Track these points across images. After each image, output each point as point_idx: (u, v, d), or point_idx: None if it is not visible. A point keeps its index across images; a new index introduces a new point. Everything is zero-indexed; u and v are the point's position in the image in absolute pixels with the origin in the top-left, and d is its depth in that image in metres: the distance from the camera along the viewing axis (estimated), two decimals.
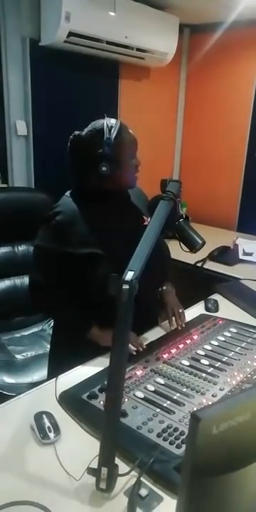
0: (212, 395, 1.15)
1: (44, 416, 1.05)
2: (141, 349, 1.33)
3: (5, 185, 2.45)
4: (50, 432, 1.00)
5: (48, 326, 2.19)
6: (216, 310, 1.76)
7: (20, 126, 2.43)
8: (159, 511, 0.84)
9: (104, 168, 1.35)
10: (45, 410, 1.07)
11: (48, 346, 1.80)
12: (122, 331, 0.88)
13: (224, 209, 3.37)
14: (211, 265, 2.41)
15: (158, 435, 0.99)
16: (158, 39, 2.72)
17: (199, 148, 3.48)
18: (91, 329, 1.37)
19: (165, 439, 0.98)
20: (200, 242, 1.45)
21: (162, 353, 1.35)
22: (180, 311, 1.56)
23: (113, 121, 1.39)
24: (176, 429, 1.01)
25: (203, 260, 2.38)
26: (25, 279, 2.02)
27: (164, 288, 1.61)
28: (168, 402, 1.11)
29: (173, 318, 1.54)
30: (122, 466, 0.90)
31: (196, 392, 1.16)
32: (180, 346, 1.40)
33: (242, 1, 2.40)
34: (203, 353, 1.37)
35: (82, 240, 1.36)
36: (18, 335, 2.13)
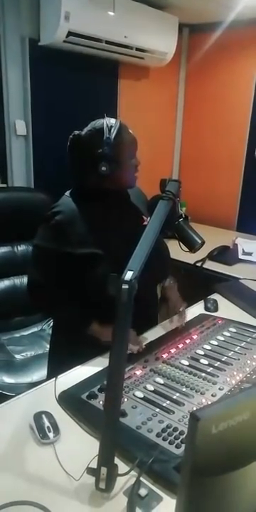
0: (212, 395, 1.15)
1: (43, 416, 1.05)
2: (140, 349, 1.33)
3: (4, 185, 2.45)
4: (49, 431, 1.00)
5: (47, 326, 2.18)
6: (216, 310, 1.76)
7: (19, 125, 2.42)
8: (159, 511, 0.84)
9: (103, 168, 1.35)
10: (44, 410, 1.07)
11: (48, 346, 1.80)
12: (122, 330, 0.88)
13: (223, 209, 3.37)
14: (211, 265, 2.41)
15: (158, 435, 0.99)
16: (157, 39, 2.72)
17: (198, 148, 3.48)
18: (91, 325, 1.37)
19: (164, 439, 0.98)
20: (200, 241, 1.45)
21: (161, 352, 1.35)
22: (181, 309, 1.56)
23: (113, 121, 1.39)
24: (175, 429, 1.01)
25: (203, 260, 2.38)
26: (25, 279, 2.02)
27: (166, 283, 1.60)
28: (168, 401, 1.11)
29: (175, 316, 1.54)
30: (122, 466, 0.90)
31: (196, 391, 1.16)
32: (180, 346, 1.40)
33: (242, 1, 2.39)
34: (202, 352, 1.37)
35: (82, 240, 1.35)
36: (17, 335, 2.13)
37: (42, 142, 2.51)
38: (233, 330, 1.54)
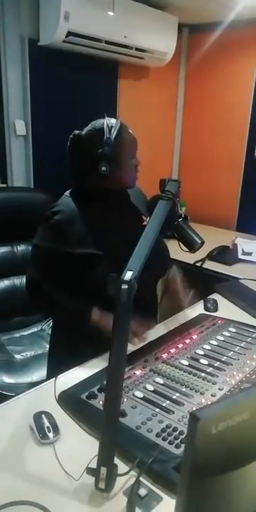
0: (212, 395, 1.15)
1: (43, 416, 1.05)
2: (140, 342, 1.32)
3: (4, 185, 2.45)
4: (49, 431, 1.00)
5: (47, 326, 2.19)
6: (215, 310, 1.76)
7: (19, 125, 2.42)
8: (158, 511, 0.84)
9: (103, 168, 1.35)
10: (44, 410, 1.07)
11: (48, 346, 1.80)
12: (121, 330, 0.88)
13: (223, 209, 3.37)
14: (210, 265, 2.41)
15: (158, 435, 0.99)
16: (157, 39, 2.72)
17: (198, 148, 3.48)
18: (91, 313, 1.35)
19: (164, 439, 0.98)
20: (199, 241, 1.46)
21: (161, 352, 1.35)
22: (188, 300, 1.57)
23: (113, 121, 1.39)
24: (175, 429, 1.01)
25: (202, 260, 2.38)
26: (25, 279, 2.02)
27: (169, 276, 1.60)
28: (168, 401, 1.11)
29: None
30: (121, 466, 0.90)
31: (195, 391, 1.16)
32: (180, 346, 1.40)
33: (241, 1, 2.39)
34: (202, 352, 1.37)
35: (81, 240, 1.35)
36: (17, 335, 2.13)
37: (42, 142, 2.51)
38: (233, 330, 1.54)
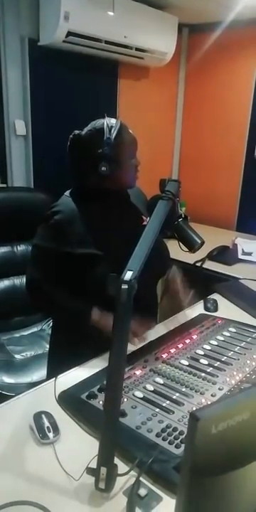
0: (212, 395, 1.15)
1: (43, 416, 1.05)
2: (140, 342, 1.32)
3: (4, 185, 2.45)
4: (49, 431, 1.00)
5: (47, 326, 2.19)
6: (215, 310, 1.76)
7: (19, 125, 2.42)
8: (158, 511, 0.84)
9: (103, 168, 1.35)
10: (44, 410, 1.07)
11: (48, 346, 1.80)
12: (121, 330, 0.88)
13: (223, 209, 3.37)
14: (210, 265, 2.41)
15: (158, 435, 0.99)
16: (157, 39, 2.72)
17: (198, 148, 3.48)
18: (91, 313, 1.35)
19: (164, 439, 0.98)
20: (199, 241, 1.46)
21: (161, 352, 1.35)
22: (188, 299, 1.57)
23: (113, 121, 1.39)
24: (175, 429, 1.01)
25: (202, 260, 2.38)
26: (25, 279, 2.02)
27: (169, 276, 1.60)
28: (168, 401, 1.11)
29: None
30: (121, 466, 0.90)
31: (195, 391, 1.16)
32: (180, 346, 1.40)
33: (241, 1, 2.39)
34: (202, 352, 1.37)
35: (81, 240, 1.35)
36: (17, 335, 2.13)
37: (42, 142, 2.51)
38: (233, 330, 1.54)
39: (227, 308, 1.79)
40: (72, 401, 1.13)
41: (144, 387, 1.17)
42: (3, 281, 2.11)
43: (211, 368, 1.27)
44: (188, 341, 1.43)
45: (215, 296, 1.89)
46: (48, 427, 1.01)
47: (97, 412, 1.06)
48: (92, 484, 0.85)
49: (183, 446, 0.95)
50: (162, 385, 1.19)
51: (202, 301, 1.81)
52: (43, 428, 1.01)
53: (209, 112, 3.35)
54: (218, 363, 1.31)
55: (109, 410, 0.87)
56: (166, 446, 0.96)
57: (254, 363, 1.31)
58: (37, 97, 2.43)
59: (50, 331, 1.81)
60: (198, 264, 2.31)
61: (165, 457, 0.92)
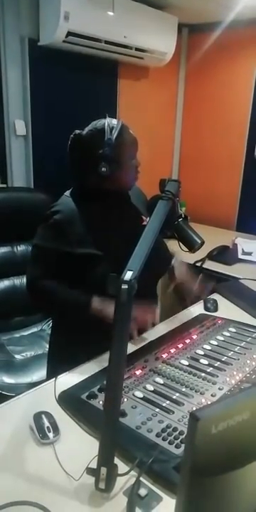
0: (212, 395, 1.15)
1: (43, 416, 1.05)
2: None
3: (4, 185, 2.45)
4: (49, 432, 1.00)
5: (47, 326, 2.19)
6: (215, 310, 1.76)
7: (19, 125, 2.42)
8: (159, 511, 0.84)
9: (103, 169, 1.35)
10: (44, 410, 1.07)
11: (48, 346, 1.80)
12: (121, 330, 0.88)
13: (223, 208, 3.37)
14: (210, 265, 2.41)
15: (158, 435, 0.99)
16: (157, 39, 2.72)
17: (198, 148, 3.48)
18: (92, 302, 1.34)
19: (164, 439, 0.98)
20: (199, 241, 1.46)
21: (161, 352, 1.35)
22: (196, 286, 1.58)
23: (114, 121, 1.39)
24: (175, 429, 1.01)
25: (202, 260, 2.39)
26: (25, 279, 2.02)
27: (176, 264, 1.60)
28: (168, 401, 1.11)
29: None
30: (121, 466, 0.90)
31: (195, 391, 1.16)
32: (180, 346, 1.40)
33: (241, 1, 2.40)
34: (202, 352, 1.37)
35: (81, 240, 1.35)
36: (17, 335, 2.13)
37: (42, 142, 2.51)
38: (233, 330, 1.54)
39: (227, 308, 1.79)
40: (72, 401, 1.13)
41: (144, 387, 1.17)
42: (3, 281, 2.11)
43: (211, 368, 1.27)
44: (188, 341, 1.43)
45: (215, 296, 1.88)
46: (48, 427, 1.01)
47: (97, 412, 1.06)
48: (92, 484, 0.85)
49: (183, 446, 0.95)
50: (162, 385, 1.19)
51: (202, 301, 1.81)
52: (43, 428, 1.01)
53: (209, 111, 3.35)
54: (218, 362, 1.31)
55: (109, 410, 0.87)
56: (166, 446, 0.96)
57: (254, 363, 1.31)
58: (37, 97, 2.44)
59: (50, 331, 1.81)
60: (198, 264, 2.31)
61: (165, 457, 0.92)
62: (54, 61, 2.44)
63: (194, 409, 1.07)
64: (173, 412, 1.07)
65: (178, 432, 1.00)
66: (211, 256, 2.47)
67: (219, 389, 1.17)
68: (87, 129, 1.42)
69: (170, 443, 0.97)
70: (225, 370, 1.26)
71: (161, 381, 1.20)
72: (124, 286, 0.88)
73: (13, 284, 2.13)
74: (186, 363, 1.30)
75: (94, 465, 0.85)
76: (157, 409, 1.08)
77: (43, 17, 2.31)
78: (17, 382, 1.79)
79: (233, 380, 1.21)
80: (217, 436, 0.57)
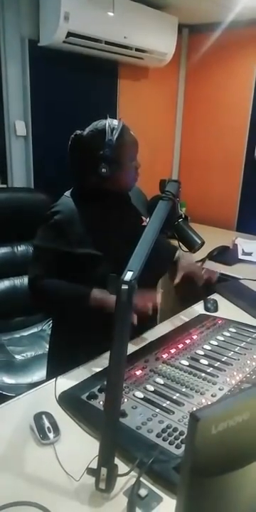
0: (212, 395, 1.15)
1: (43, 416, 1.05)
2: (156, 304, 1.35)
3: (4, 186, 2.45)
4: (49, 432, 1.01)
5: (47, 327, 2.19)
6: (215, 310, 1.76)
7: (19, 126, 2.43)
8: (159, 511, 0.84)
9: (104, 170, 1.35)
10: (44, 411, 1.07)
11: (48, 347, 1.80)
12: (121, 330, 0.88)
13: (223, 209, 3.37)
14: (210, 265, 2.41)
15: (158, 435, 0.99)
16: (157, 39, 2.72)
17: (198, 148, 3.49)
18: (92, 294, 1.33)
19: (164, 439, 0.98)
20: (199, 242, 1.46)
21: (161, 353, 1.35)
22: (204, 270, 1.60)
23: (115, 122, 1.39)
24: (175, 429, 1.01)
25: (203, 260, 2.38)
26: (25, 280, 2.03)
27: (180, 255, 1.60)
28: (168, 402, 1.11)
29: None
30: (122, 466, 0.90)
31: (195, 392, 1.16)
32: (180, 346, 1.40)
33: (241, 1, 2.40)
34: (202, 352, 1.37)
35: (81, 240, 1.36)
36: (17, 335, 2.13)
37: (42, 142, 2.51)
38: (233, 330, 1.54)
39: (227, 309, 1.79)
40: (72, 401, 1.13)
41: (145, 388, 1.17)
42: (4, 281, 2.12)
43: (211, 368, 1.27)
44: (188, 341, 1.43)
45: (215, 296, 1.89)
46: (48, 428, 1.01)
47: (98, 412, 1.06)
48: (92, 485, 0.85)
49: (183, 446, 0.95)
50: (162, 385, 1.19)
51: (202, 301, 1.81)
52: (43, 428, 1.01)
53: (209, 112, 3.36)
54: (218, 363, 1.31)
55: (109, 410, 0.87)
56: (166, 446, 0.96)
57: (254, 363, 1.31)
58: (37, 98, 2.44)
59: (50, 332, 1.81)
60: (198, 264, 2.31)
61: (165, 457, 0.92)
62: (54, 62, 2.45)
63: (194, 409, 1.07)
64: (174, 413, 1.07)
65: (178, 433, 1.00)
66: (211, 256, 2.47)
67: (219, 389, 1.17)
68: (87, 130, 1.42)
69: (170, 443, 0.97)
70: (225, 371, 1.26)
71: (162, 381, 1.20)
72: (124, 287, 0.88)
73: (14, 285, 2.13)
74: (186, 363, 1.30)
75: (94, 465, 0.85)
76: (157, 410, 1.08)
77: (43, 17, 2.32)
78: (17, 382, 1.79)
79: (233, 381, 1.21)
80: (217, 437, 0.57)
